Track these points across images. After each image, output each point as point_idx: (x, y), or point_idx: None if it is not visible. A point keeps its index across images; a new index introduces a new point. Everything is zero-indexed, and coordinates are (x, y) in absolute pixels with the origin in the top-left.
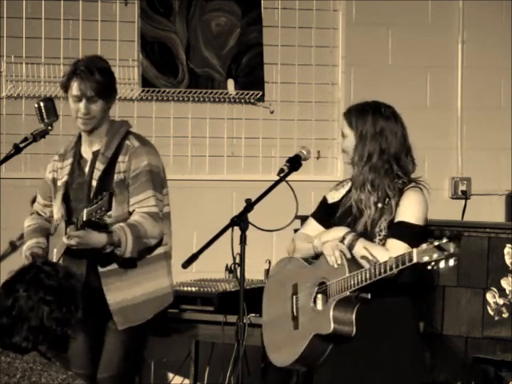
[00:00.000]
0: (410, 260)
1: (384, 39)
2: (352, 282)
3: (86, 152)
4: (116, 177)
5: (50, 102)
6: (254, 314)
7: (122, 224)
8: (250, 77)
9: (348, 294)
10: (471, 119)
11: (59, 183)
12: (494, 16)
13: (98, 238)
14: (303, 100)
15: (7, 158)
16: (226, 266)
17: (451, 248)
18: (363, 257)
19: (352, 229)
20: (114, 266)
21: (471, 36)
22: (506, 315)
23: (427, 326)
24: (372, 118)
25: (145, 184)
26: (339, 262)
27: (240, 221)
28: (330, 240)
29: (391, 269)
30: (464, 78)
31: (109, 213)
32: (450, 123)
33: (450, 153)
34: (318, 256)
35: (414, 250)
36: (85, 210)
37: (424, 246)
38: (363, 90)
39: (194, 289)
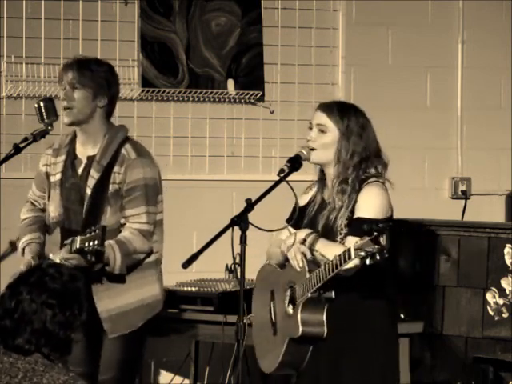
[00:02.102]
0: (349, 257)
1: (384, 39)
2: (311, 283)
3: (81, 153)
4: (111, 187)
5: (49, 101)
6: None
7: (110, 241)
8: (250, 77)
9: (309, 295)
10: (471, 119)
11: (52, 179)
12: (494, 16)
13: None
14: (303, 100)
15: (7, 157)
16: (226, 265)
17: (381, 240)
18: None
19: (317, 229)
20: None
21: (471, 36)
22: (506, 315)
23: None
24: (355, 114)
25: (138, 199)
26: (301, 264)
27: (240, 221)
28: (295, 243)
29: (336, 267)
30: (464, 78)
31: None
32: (450, 123)
33: (450, 153)
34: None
35: (351, 247)
36: (78, 238)
37: (359, 241)
38: (363, 90)
39: (194, 289)
